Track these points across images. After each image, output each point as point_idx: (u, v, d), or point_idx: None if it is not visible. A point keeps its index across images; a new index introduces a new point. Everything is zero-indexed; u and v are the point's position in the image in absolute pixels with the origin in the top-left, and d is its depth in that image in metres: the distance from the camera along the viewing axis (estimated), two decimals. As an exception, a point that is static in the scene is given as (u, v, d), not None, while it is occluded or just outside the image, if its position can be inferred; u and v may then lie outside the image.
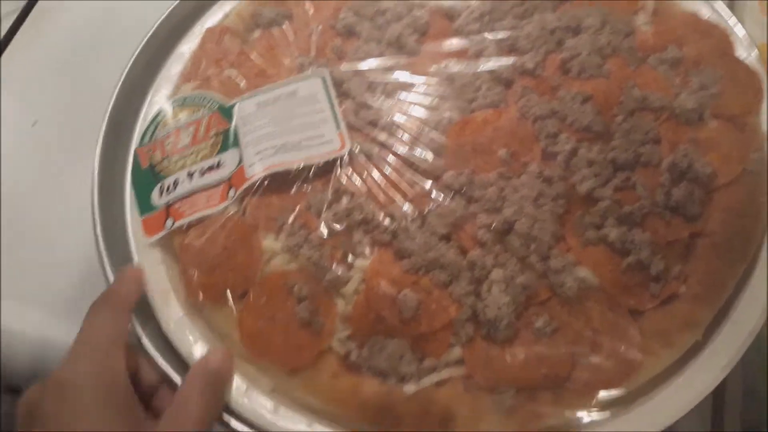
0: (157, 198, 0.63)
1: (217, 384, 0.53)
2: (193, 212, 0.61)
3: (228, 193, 0.61)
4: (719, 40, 0.65)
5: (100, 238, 0.62)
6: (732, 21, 0.66)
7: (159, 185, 0.63)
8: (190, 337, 0.57)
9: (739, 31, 0.66)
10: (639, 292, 0.55)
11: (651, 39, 0.65)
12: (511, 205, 0.56)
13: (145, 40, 0.72)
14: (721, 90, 0.61)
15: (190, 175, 0.62)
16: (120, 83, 0.70)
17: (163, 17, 0.74)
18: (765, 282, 0.56)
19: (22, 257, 0.73)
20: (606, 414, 0.52)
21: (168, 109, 0.67)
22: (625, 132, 0.59)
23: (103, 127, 0.68)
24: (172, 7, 0.74)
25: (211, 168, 0.63)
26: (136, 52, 0.72)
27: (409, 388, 0.52)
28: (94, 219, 0.63)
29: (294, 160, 0.60)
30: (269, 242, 0.58)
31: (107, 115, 0.69)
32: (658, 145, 0.59)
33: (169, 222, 0.61)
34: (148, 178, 0.64)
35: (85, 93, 0.79)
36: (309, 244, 0.57)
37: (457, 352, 0.54)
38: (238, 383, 0.55)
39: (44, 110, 0.85)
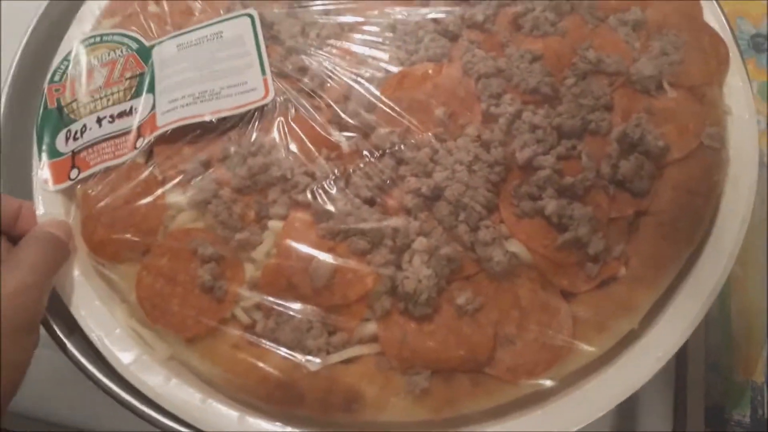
0: (63, 144, 0.57)
1: (55, 243, 0.51)
2: (100, 162, 0.55)
3: (137, 142, 0.55)
4: (686, 3, 0.60)
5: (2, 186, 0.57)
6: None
7: (66, 130, 0.58)
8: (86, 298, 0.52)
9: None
10: (574, 272, 0.51)
11: (614, -3, 0.60)
12: (442, 169, 0.51)
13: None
14: (683, 57, 0.56)
15: (100, 120, 0.57)
16: (37, 18, 0.65)
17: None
18: (711, 269, 0.51)
19: None
20: (525, 405, 0.48)
21: (83, 46, 0.61)
22: (574, 96, 0.55)
23: (14, 64, 0.64)
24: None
25: (122, 114, 0.57)
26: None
27: (314, 363, 0.48)
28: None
29: (209, 111, 0.55)
30: (175, 196, 0.53)
31: (20, 49, 0.64)
32: (609, 112, 0.55)
33: (74, 172, 0.56)
34: (55, 119, 0.59)
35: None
36: (218, 200, 0.51)
37: (371, 327, 0.49)
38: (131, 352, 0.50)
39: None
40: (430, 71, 0.56)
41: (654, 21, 0.58)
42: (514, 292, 0.50)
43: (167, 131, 0.54)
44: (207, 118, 0.54)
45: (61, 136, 0.58)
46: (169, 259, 0.51)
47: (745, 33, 0.70)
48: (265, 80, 0.56)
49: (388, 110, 0.54)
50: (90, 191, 0.55)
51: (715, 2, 0.60)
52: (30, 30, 0.65)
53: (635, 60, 0.56)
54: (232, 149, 0.53)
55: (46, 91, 0.60)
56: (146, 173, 0.54)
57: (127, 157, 0.55)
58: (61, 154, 0.57)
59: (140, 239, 0.52)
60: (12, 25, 0.67)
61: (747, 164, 0.54)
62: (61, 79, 0.60)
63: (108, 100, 0.58)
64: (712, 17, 0.59)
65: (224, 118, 0.55)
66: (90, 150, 0.56)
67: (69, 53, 0.61)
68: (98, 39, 0.61)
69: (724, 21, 0.60)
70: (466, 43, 0.57)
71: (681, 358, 0.56)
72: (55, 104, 0.59)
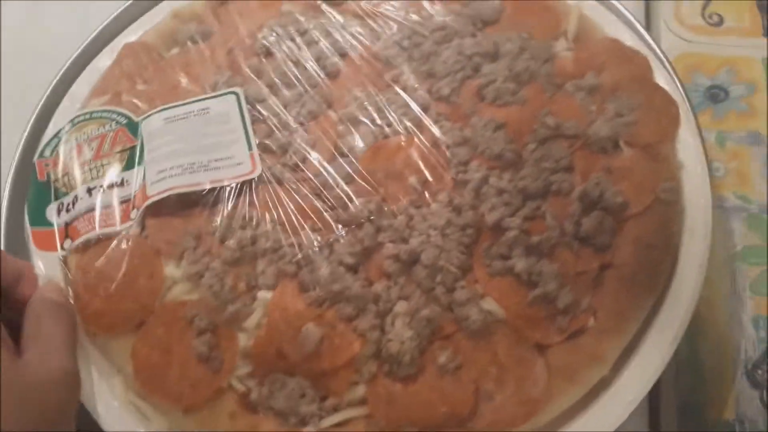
0: (54, 216, 0.60)
1: (63, 310, 0.53)
2: (91, 230, 0.58)
3: (131, 213, 0.58)
4: (638, 66, 0.64)
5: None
6: (653, 44, 0.66)
7: (58, 203, 0.61)
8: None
9: (659, 53, 0.65)
10: (545, 326, 0.54)
11: (570, 65, 0.64)
12: (418, 234, 0.55)
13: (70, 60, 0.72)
14: (637, 118, 0.60)
15: (90, 191, 0.60)
16: (41, 102, 0.70)
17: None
18: (674, 314, 0.55)
19: None
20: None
21: (72, 124, 0.65)
22: (536, 160, 0.58)
23: (19, 149, 0.68)
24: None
25: (112, 185, 0.60)
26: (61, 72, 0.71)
27: (309, 429, 0.51)
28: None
29: (199, 182, 0.58)
30: (170, 269, 0.56)
31: (24, 136, 0.69)
32: (570, 173, 0.58)
33: (67, 243, 0.59)
34: (44, 191, 0.62)
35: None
36: (211, 272, 0.55)
37: (360, 390, 0.52)
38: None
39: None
40: (402, 143, 0.60)
41: (608, 84, 0.63)
42: (491, 348, 0.53)
43: (156, 201, 0.57)
44: (198, 188, 0.58)
45: (52, 207, 0.61)
46: (164, 331, 0.54)
47: (701, 86, 0.75)
48: (251, 155, 0.59)
49: (364, 182, 0.58)
50: (83, 262, 0.57)
51: (666, 62, 0.65)
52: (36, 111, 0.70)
53: (592, 122, 0.60)
54: (221, 222, 0.57)
55: (36, 165, 0.63)
56: (141, 245, 0.57)
57: (121, 227, 0.58)
58: (51, 225, 0.60)
59: (138, 311, 0.55)
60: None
61: (701, 214, 0.58)
62: (51, 154, 0.64)
63: (98, 171, 0.61)
64: (662, 78, 0.64)
65: (211, 191, 0.58)
66: (81, 219, 0.59)
67: (59, 131, 0.65)
68: (87, 116, 0.65)
69: (675, 80, 0.64)
70: (435, 115, 0.61)
71: (653, 401, 0.59)
72: (45, 177, 0.62)
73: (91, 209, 0.59)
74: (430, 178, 0.58)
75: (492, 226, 0.56)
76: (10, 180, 0.67)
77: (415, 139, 0.60)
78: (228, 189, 0.58)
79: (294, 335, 0.52)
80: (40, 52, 0.84)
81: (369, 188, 0.58)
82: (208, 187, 0.58)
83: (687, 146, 0.61)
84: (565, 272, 0.54)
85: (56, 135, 0.65)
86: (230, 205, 0.58)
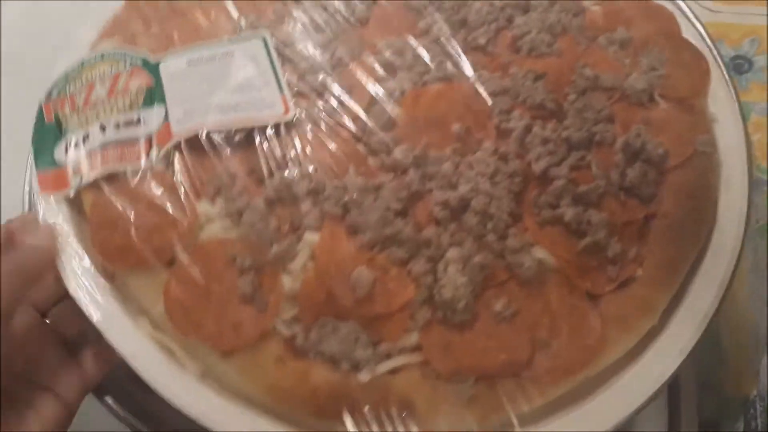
0: (62, 154, 0.56)
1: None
2: (104, 167, 0.54)
3: (150, 151, 0.55)
4: (666, 21, 0.64)
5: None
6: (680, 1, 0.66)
7: (65, 140, 0.56)
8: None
9: (687, 11, 0.65)
10: (596, 275, 0.53)
11: (600, 19, 0.64)
12: (466, 182, 0.53)
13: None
14: (669, 72, 0.60)
15: (104, 128, 0.56)
16: None
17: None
18: (717, 265, 0.55)
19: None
20: (565, 405, 0.50)
21: (82, 64, 0.60)
22: (578, 111, 0.58)
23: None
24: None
25: (129, 123, 0.56)
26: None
27: (364, 375, 0.48)
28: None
29: (229, 123, 0.55)
30: (204, 206, 0.53)
31: None
32: (611, 124, 0.58)
33: (75, 179, 0.54)
34: (51, 133, 0.57)
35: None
36: (252, 210, 0.51)
37: (414, 337, 0.50)
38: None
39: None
40: (443, 90, 0.58)
41: (639, 39, 0.63)
42: (544, 297, 0.52)
43: (185, 138, 0.54)
44: (231, 127, 0.54)
45: (61, 146, 0.56)
46: (201, 269, 0.50)
47: (724, 57, 0.75)
48: (283, 98, 0.56)
49: (405, 129, 0.56)
50: (102, 198, 0.53)
51: (697, 21, 0.65)
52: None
53: (627, 75, 0.60)
54: (261, 162, 0.53)
55: (43, 108, 0.58)
56: (169, 181, 0.53)
57: (141, 164, 0.54)
58: (61, 164, 0.55)
59: (169, 247, 0.51)
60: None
61: (737, 166, 0.59)
62: (58, 95, 0.59)
63: (112, 109, 0.57)
64: (691, 37, 0.64)
65: (244, 133, 0.55)
66: (94, 155, 0.55)
67: (68, 70, 0.60)
68: (99, 57, 0.60)
69: (704, 37, 0.65)
70: (472, 64, 0.60)
71: (673, 379, 0.59)
72: (53, 119, 0.58)
73: (106, 145, 0.55)
74: (472, 126, 0.56)
75: (539, 175, 0.55)
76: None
77: (455, 87, 0.58)
78: (262, 131, 0.55)
79: (344, 279, 0.50)
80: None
81: (411, 135, 0.55)
82: (239, 127, 0.55)
83: (719, 101, 0.61)
84: (612, 222, 0.54)
85: (64, 76, 0.60)
86: (266, 147, 0.54)
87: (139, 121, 0.56)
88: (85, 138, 0.56)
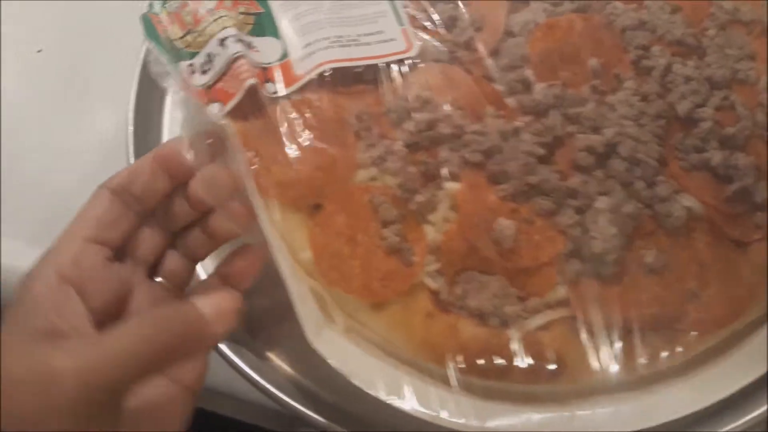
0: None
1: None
2: (240, 84, 0.49)
3: (265, 85, 0.50)
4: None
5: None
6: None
7: (189, 65, 0.51)
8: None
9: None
10: (744, 222, 0.50)
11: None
12: (611, 125, 0.50)
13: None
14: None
15: (222, 42, 0.50)
16: None
17: None
18: None
19: (23, 194, 0.67)
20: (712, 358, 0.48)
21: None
22: (718, 47, 0.54)
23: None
24: None
25: (242, 41, 0.51)
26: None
27: (515, 331, 0.46)
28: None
29: (353, 57, 0.51)
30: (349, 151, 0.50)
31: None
32: (753, 61, 0.54)
33: (215, 107, 0.49)
34: (172, 53, 0.52)
35: (94, 19, 0.76)
36: (394, 157, 0.48)
37: (561, 291, 0.48)
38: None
39: (50, 36, 0.76)
40: (574, 22, 0.54)
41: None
42: (691, 246, 0.49)
43: (313, 78, 0.50)
44: (360, 62, 0.50)
45: (184, 72, 0.51)
46: (347, 218, 0.48)
47: None
48: (403, 31, 0.52)
49: (541, 63, 0.52)
50: (247, 124, 0.49)
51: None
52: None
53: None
54: (396, 103, 0.50)
55: (151, 19, 0.53)
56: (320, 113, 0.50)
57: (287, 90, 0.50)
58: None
59: (314, 191, 0.48)
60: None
61: None
62: (159, 12, 0.54)
63: (225, 20, 0.51)
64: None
65: (369, 69, 0.51)
66: (227, 78, 0.50)
67: None
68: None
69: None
70: (604, -5, 0.55)
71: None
72: (165, 36, 0.52)
73: (232, 60, 0.49)
74: (606, 61, 0.53)
75: (684, 117, 0.51)
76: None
77: (587, 18, 0.54)
78: (389, 67, 0.51)
79: (487, 231, 0.47)
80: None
81: (545, 72, 0.52)
82: (364, 63, 0.51)
83: None
84: (760, 165, 0.51)
85: (158, -1, 0.54)
86: (392, 85, 0.51)
87: (251, 47, 0.51)
88: (209, 58, 0.50)
